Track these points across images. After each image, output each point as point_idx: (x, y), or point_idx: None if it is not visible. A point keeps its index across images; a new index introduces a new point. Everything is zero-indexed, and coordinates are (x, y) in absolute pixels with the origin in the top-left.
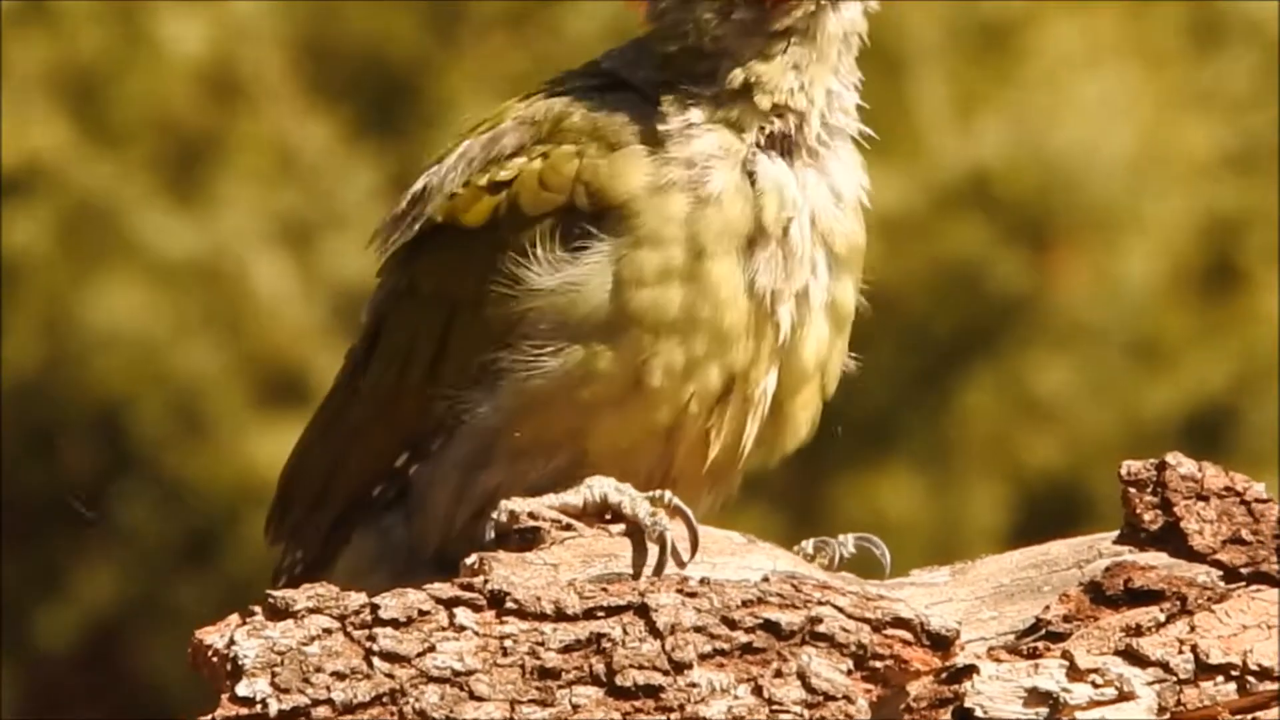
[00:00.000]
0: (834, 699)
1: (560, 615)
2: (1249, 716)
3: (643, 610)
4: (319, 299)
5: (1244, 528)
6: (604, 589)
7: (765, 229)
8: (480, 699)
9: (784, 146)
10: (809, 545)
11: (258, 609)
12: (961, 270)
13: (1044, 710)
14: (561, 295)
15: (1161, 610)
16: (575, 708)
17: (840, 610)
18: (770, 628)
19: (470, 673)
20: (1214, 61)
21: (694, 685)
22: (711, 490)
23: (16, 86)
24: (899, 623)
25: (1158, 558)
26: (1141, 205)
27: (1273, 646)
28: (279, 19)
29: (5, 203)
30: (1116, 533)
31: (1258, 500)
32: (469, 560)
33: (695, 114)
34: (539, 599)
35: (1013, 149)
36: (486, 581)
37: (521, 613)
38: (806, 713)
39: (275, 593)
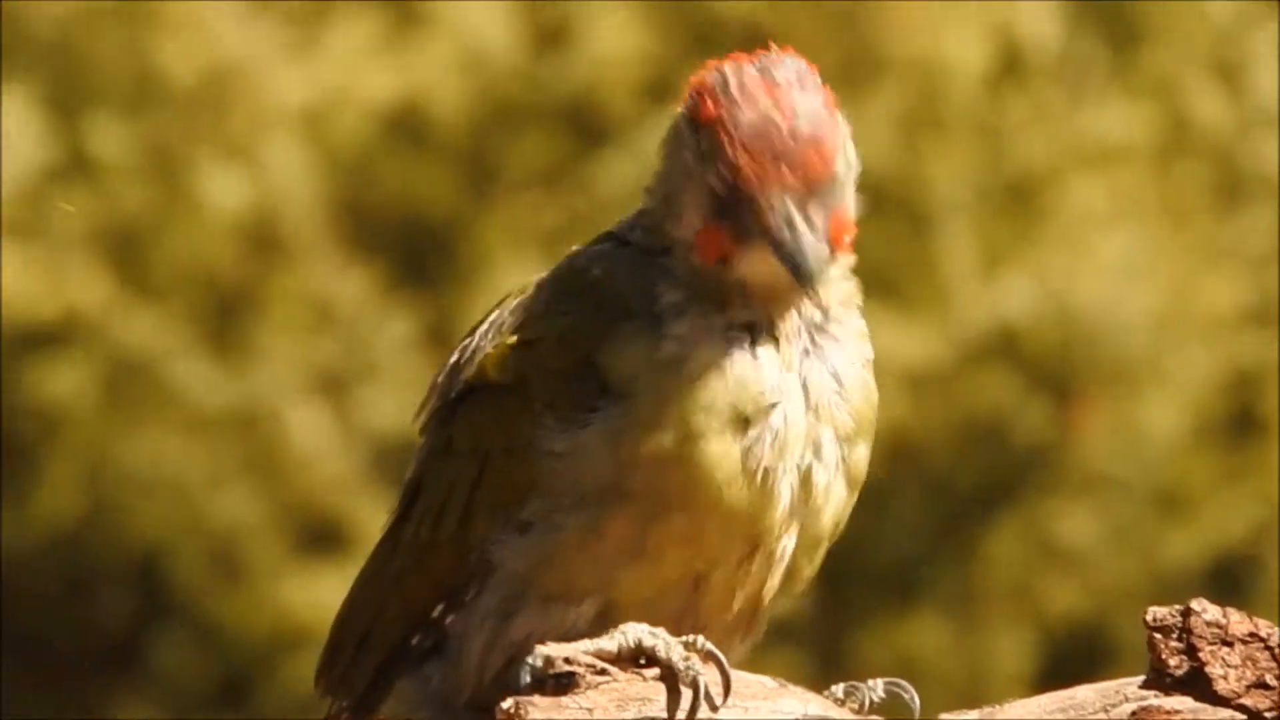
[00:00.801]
0: None
1: None
2: None
3: None
4: (355, 448)
5: (1268, 673)
6: None
7: (749, 413)
8: None
9: (768, 332)
10: (839, 690)
11: None
12: (986, 421)
13: None
14: (570, 460)
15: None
16: None
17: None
18: None
19: None
20: (1234, 218)
21: None
22: (741, 635)
23: (58, 241)
24: None
25: (1183, 702)
26: (1163, 358)
27: None
28: (317, 176)
29: (46, 354)
30: (1142, 677)
31: None
32: (505, 704)
33: (682, 295)
34: None
35: (1037, 304)
36: None
37: None
38: None
39: None
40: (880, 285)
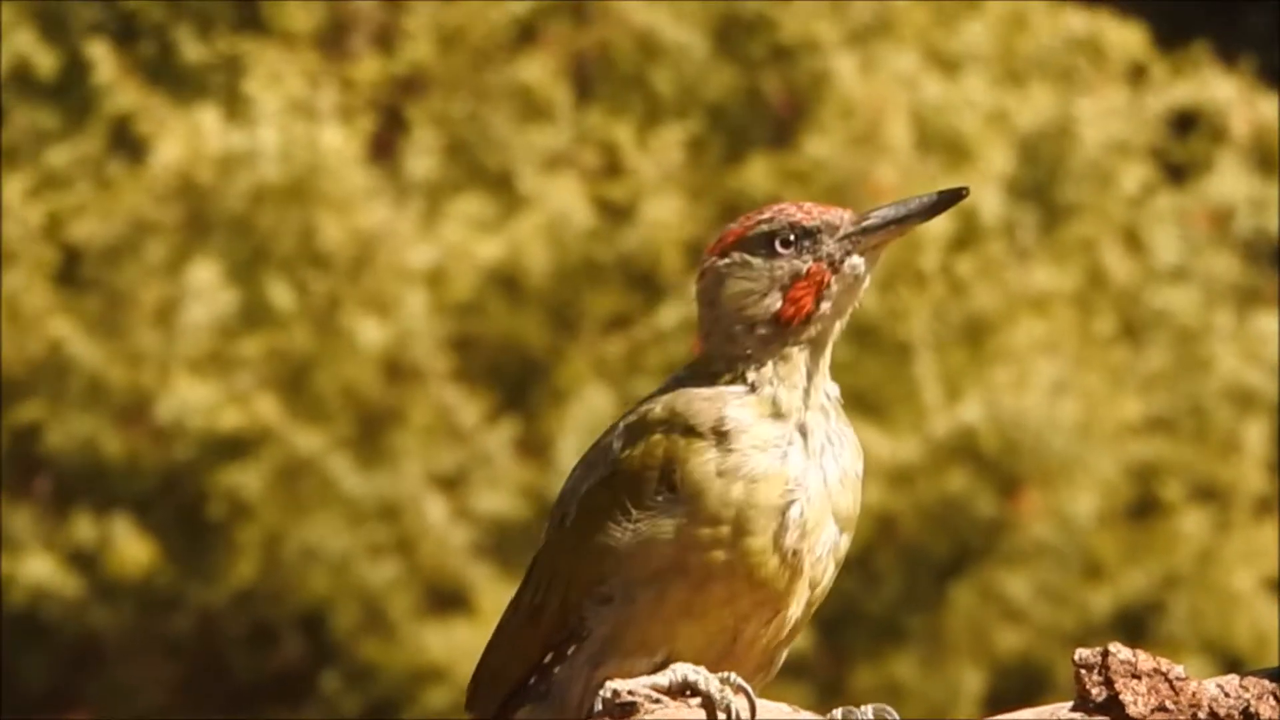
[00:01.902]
0: None
1: None
2: None
3: None
4: (471, 529)
5: (1167, 699)
6: None
7: (794, 498)
8: None
9: (804, 436)
10: (838, 713)
11: None
12: (950, 506)
13: None
14: (642, 546)
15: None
16: None
17: None
18: None
19: None
20: (1138, 350)
21: None
22: (763, 675)
23: (243, 370)
24: None
25: None
26: (1084, 457)
27: None
28: (440, 321)
29: (236, 457)
30: (1071, 703)
31: (1178, 678)
32: None
33: (746, 414)
34: None
35: (989, 416)
36: None
37: None
38: None
39: None
40: (869, 402)
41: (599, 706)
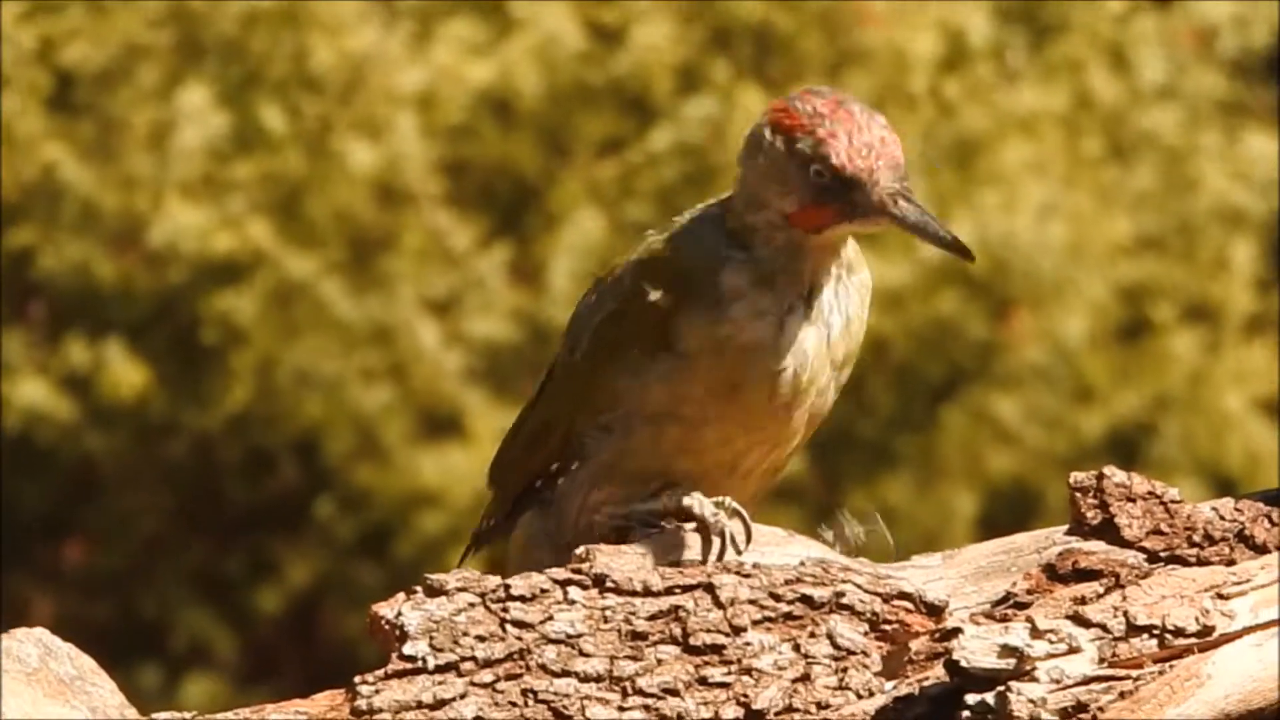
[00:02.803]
0: (854, 654)
1: (647, 592)
2: (1166, 664)
3: (709, 588)
4: (464, 353)
5: (1162, 522)
6: (680, 572)
7: (787, 366)
8: (587, 655)
9: (807, 301)
10: (829, 534)
11: (419, 589)
12: (943, 328)
13: (1013, 661)
14: (639, 391)
15: (1101, 585)
16: (659, 662)
17: (859, 586)
18: (806, 600)
19: (579, 636)
20: (1125, 170)
21: (748, 644)
22: (757, 496)
23: (236, 194)
24: (903, 596)
25: (1098, 545)
26: (1076, 278)
27: (1185, 611)
28: (430, 141)
29: (229, 282)
30: (1066, 527)
31: (1173, 501)
32: (579, 550)
33: (744, 279)
34: (631, 579)
35: (978, 238)
36: (591, 566)
37: (618, 590)
38: (833, 664)
39: (431, 576)
40: None
41: (600, 529)
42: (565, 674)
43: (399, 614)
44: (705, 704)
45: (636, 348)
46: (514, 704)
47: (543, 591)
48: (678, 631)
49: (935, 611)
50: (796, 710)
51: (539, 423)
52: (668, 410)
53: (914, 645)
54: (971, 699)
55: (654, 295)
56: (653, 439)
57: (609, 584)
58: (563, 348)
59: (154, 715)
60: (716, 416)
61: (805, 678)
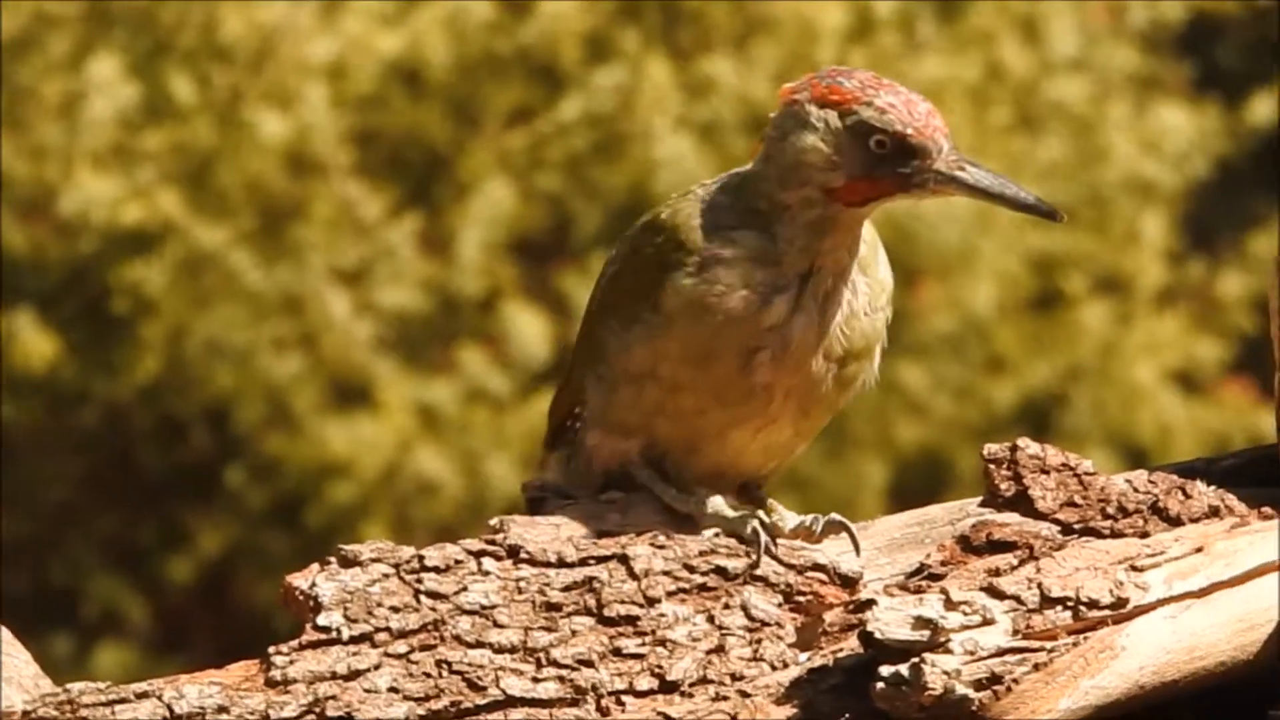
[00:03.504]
0: (768, 625)
1: (561, 563)
2: (1081, 636)
3: (624, 559)
4: (374, 322)
5: (1076, 494)
6: (594, 543)
7: (764, 344)
8: (501, 626)
9: (804, 283)
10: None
11: (333, 559)
12: None
13: (927, 632)
14: (622, 349)
15: (1015, 556)
16: (573, 633)
17: (773, 558)
18: (720, 571)
19: (494, 607)
20: (1034, 141)
21: (663, 615)
22: (761, 476)
23: (146, 164)
24: (817, 567)
25: (1011, 517)
26: (983, 248)
27: (1099, 584)
28: (340, 112)
29: (139, 251)
30: (980, 498)
31: (1086, 473)
32: (492, 521)
33: (739, 250)
34: (545, 550)
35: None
36: (505, 537)
37: (532, 561)
38: (748, 635)
39: (345, 546)
40: None
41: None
42: (479, 645)
43: (313, 584)
44: (619, 675)
45: (627, 306)
46: (428, 675)
47: (457, 563)
48: (592, 603)
49: (849, 583)
50: (711, 682)
51: (570, 367)
52: (647, 371)
53: (828, 617)
54: (886, 671)
55: (648, 253)
56: (633, 397)
57: (523, 555)
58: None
59: (67, 686)
60: (690, 384)
61: (719, 649)
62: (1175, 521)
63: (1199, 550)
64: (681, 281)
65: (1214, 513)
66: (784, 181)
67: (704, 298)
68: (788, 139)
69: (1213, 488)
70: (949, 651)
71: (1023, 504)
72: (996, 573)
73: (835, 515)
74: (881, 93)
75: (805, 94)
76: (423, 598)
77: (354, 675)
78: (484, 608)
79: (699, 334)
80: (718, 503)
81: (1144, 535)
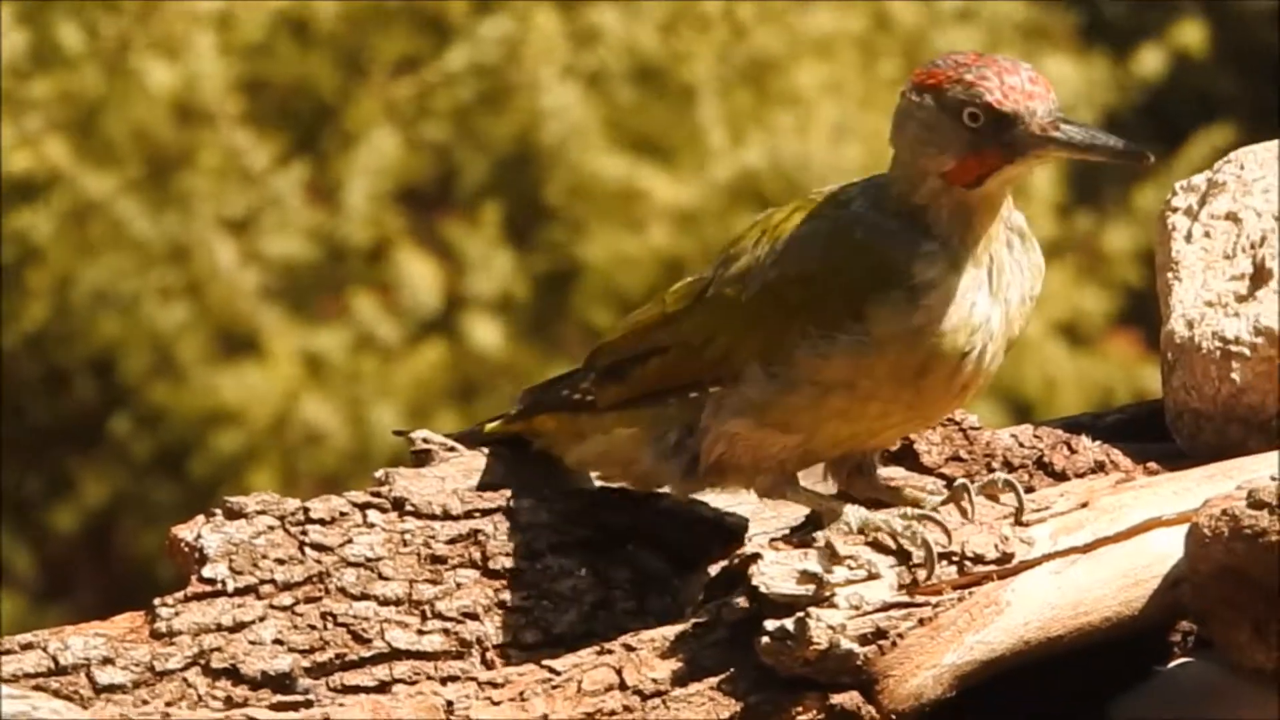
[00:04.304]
0: (654, 579)
1: (446, 515)
2: (966, 591)
3: (509, 512)
4: (261, 271)
5: (961, 449)
6: (479, 496)
7: (972, 348)
8: (386, 579)
9: (990, 275)
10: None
11: (218, 511)
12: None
13: (812, 587)
14: (819, 362)
15: (899, 510)
16: (459, 586)
17: (658, 511)
18: (605, 525)
19: (379, 559)
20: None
21: (547, 568)
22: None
23: (33, 113)
24: (702, 521)
25: (897, 471)
26: None
27: (984, 539)
28: (228, 61)
29: (26, 200)
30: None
31: (972, 428)
32: (377, 474)
33: (935, 268)
34: (430, 503)
35: (772, 157)
36: (391, 490)
37: (417, 514)
38: (632, 589)
39: (230, 498)
40: (655, 146)
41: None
42: (364, 597)
43: (198, 536)
44: (504, 628)
45: (820, 318)
46: (313, 627)
47: (342, 515)
48: (477, 555)
49: (734, 537)
50: (595, 635)
51: (692, 346)
52: (844, 382)
53: (713, 570)
54: (771, 625)
55: (848, 277)
56: (814, 400)
57: (408, 507)
58: (720, 276)
59: None
60: (891, 396)
61: (604, 603)
62: (1061, 476)
63: (1084, 505)
64: (894, 310)
65: (1099, 468)
66: (911, 182)
67: (921, 327)
68: (901, 132)
69: (1098, 443)
70: (834, 606)
71: (908, 458)
72: None
73: (998, 476)
74: (975, 67)
75: (909, 84)
76: (308, 550)
77: (239, 627)
78: (369, 560)
79: (914, 358)
80: (862, 514)
81: (1029, 490)
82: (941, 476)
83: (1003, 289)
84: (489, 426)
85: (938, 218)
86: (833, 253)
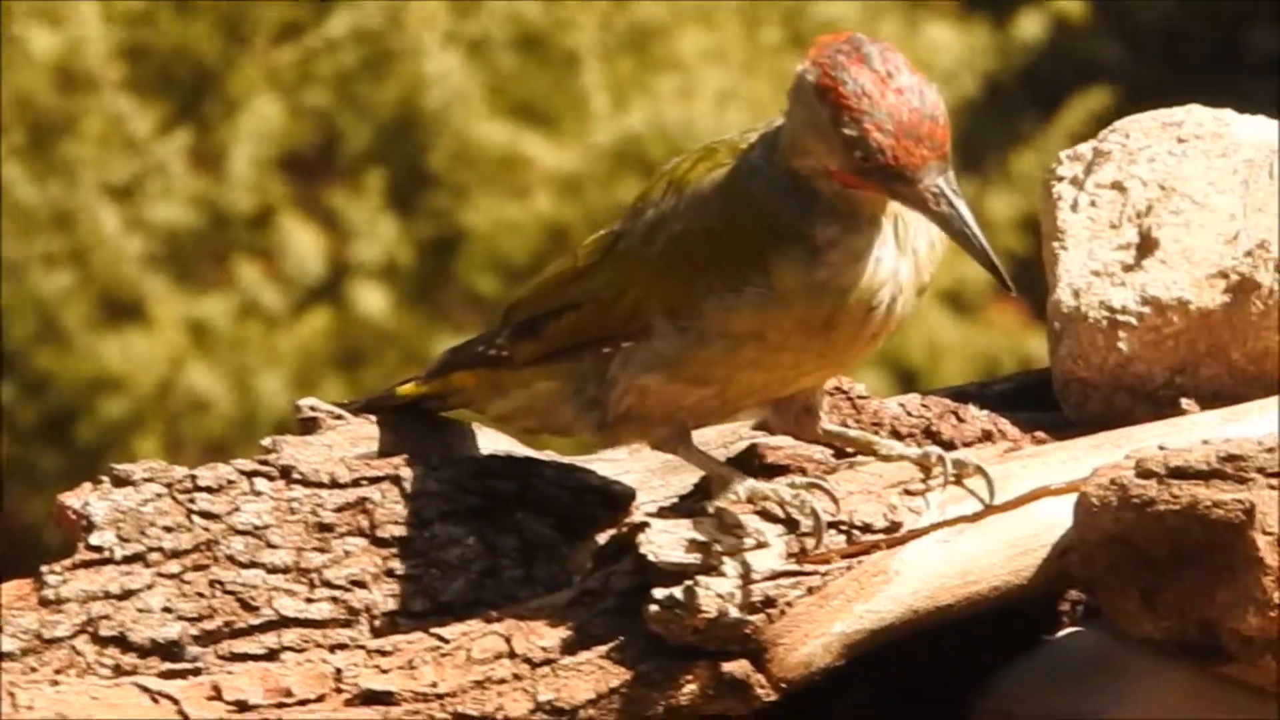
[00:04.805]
0: (542, 547)
1: (334, 483)
2: (854, 560)
3: (396, 480)
4: (145, 238)
5: (849, 418)
6: (367, 464)
7: (880, 301)
8: (274, 547)
9: (896, 227)
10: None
11: (105, 478)
12: (617, 213)
13: (700, 555)
14: (726, 314)
15: (788, 480)
16: (347, 554)
17: (546, 480)
18: (493, 493)
19: (266, 527)
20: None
21: (435, 536)
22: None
23: None
24: (590, 489)
25: (784, 440)
26: None
27: (872, 508)
28: (111, 28)
29: None
30: (753, 421)
31: (859, 396)
32: (265, 441)
33: (836, 225)
34: (318, 471)
35: (655, 123)
36: (278, 458)
37: (305, 481)
38: (521, 557)
39: (117, 465)
40: (537, 113)
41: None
42: (253, 565)
43: (86, 504)
44: (392, 596)
45: (726, 272)
46: (201, 595)
47: (229, 483)
48: (365, 524)
49: (622, 505)
50: (484, 604)
51: (603, 301)
52: (752, 333)
53: (601, 538)
54: (659, 593)
55: (749, 231)
56: (726, 353)
57: (295, 475)
58: (629, 230)
59: None
60: (801, 347)
61: (492, 571)
62: (949, 446)
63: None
64: (796, 266)
65: (987, 437)
66: (794, 150)
67: (825, 283)
68: (794, 108)
69: (986, 412)
70: (722, 575)
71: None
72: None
73: (969, 457)
74: (877, 109)
75: (815, 72)
76: (195, 518)
77: (127, 595)
78: (257, 528)
79: (820, 311)
80: (750, 483)
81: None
82: (829, 445)
83: (909, 240)
84: (404, 388)
85: (824, 191)
86: (731, 206)
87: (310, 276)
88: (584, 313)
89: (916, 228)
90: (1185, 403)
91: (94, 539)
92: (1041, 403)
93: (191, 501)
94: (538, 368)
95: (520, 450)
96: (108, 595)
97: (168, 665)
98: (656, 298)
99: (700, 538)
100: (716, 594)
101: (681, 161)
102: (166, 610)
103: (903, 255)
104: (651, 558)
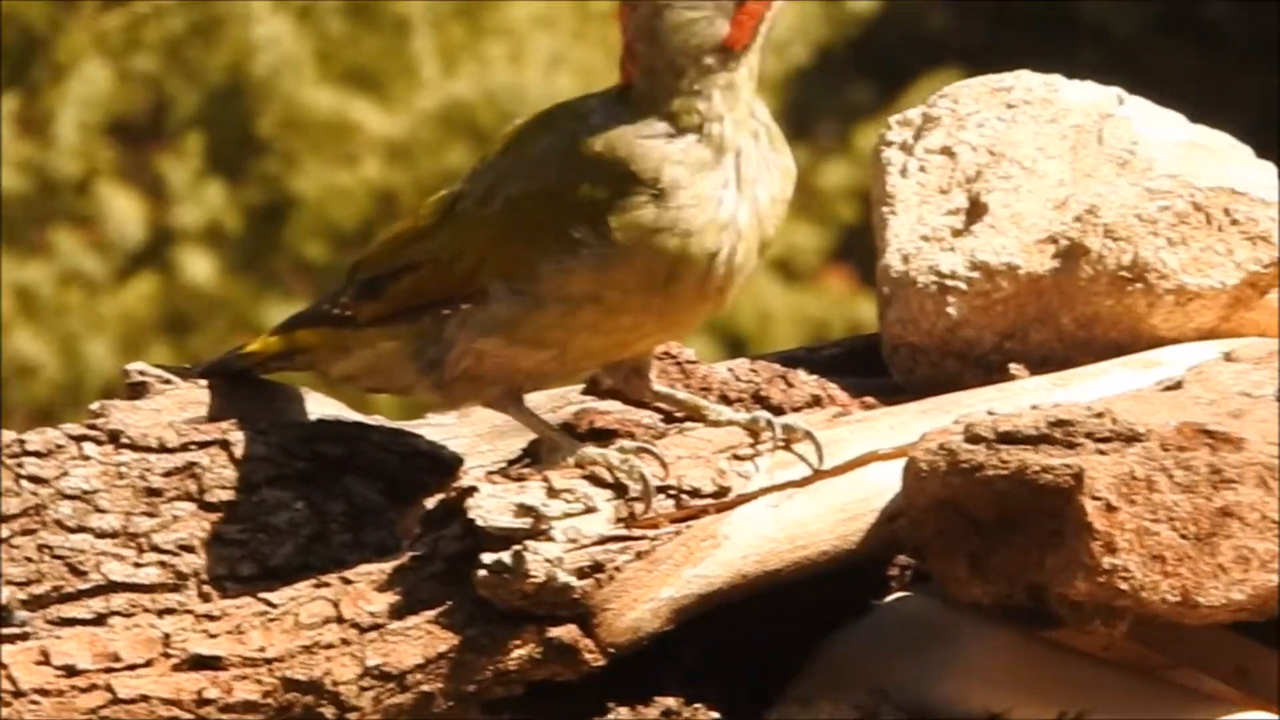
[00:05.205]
0: (370, 512)
1: (163, 448)
2: (683, 525)
3: (225, 445)
4: None
5: (678, 382)
6: (195, 428)
7: (721, 246)
8: (103, 511)
9: (738, 170)
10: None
11: None
12: (452, 180)
13: (529, 520)
14: (561, 276)
15: (616, 444)
16: (175, 518)
17: (375, 444)
18: (321, 457)
19: (95, 491)
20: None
21: (263, 501)
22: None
23: None
24: (418, 454)
25: (614, 405)
26: None
27: (701, 472)
28: None
29: None
30: (582, 386)
31: (688, 361)
32: (93, 406)
33: (684, 169)
34: (146, 435)
35: (483, 88)
36: (107, 422)
37: (134, 446)
38: (349, 522)
39: None
40: (367, 77)
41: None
42: (81, 530)
43: None
44: (221, 561)
45: (561, 233)
46: (30, 559)
47: (58, 447)
48: (193, 488)
49: (450, 470)
50: (312, 568)
51: (441, 261)
52: (588, 295)
53: (429, 503)
54: (488, 558)
55: (588, 189)
56: (563, 317)
57: (124, 440)
58: (469, 192)
59: None
60: (641, 306)
61: (321, 536)
62: (777, 410)
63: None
64: (639, 215)
65: (816, 402)
66: (679, 71)
67: (668, 228)
68: (659, 31)
69: (814, 377)
70: (551, 539)
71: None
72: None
73: (798, 422)
74: None
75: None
76: (24, 482)
77: None
78: (85, 493)
79: (661, 263)
80: (579, 448)
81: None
82: (659, 410)
83: (750, 184)
84: (249, 347)
85: (708, 99)
86: (571, 166)
87: (131, 242)
88: (423, 274)
89: (758, 175)
90: (1014, 368)
91: None
92: (870, 368)
93: (20, 466)
94: (381, 328)
95: (349, 415)
96: None
97: None
98: (494, 260)
99: (529, 502)
100: (545, 559)
101: (521, 124)
102: None
103: (742, 199)
104: (480, 522)
